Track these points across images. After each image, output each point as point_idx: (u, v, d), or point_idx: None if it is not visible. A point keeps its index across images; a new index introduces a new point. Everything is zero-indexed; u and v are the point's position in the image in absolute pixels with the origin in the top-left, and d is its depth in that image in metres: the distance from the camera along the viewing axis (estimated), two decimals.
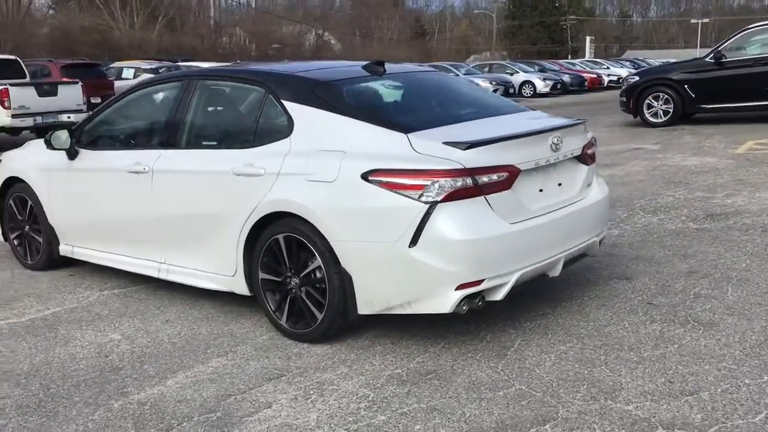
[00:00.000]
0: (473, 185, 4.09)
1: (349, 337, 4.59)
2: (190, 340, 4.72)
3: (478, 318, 4.76)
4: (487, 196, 4.15)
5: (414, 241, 4.06)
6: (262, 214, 4.55)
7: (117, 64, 25.90)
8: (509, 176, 4.24)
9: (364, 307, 4.30)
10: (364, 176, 4.17)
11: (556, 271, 4.60)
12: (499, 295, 4.25)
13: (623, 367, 4.02)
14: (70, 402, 3.92)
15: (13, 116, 15.00)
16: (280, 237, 4.51)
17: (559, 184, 4.69)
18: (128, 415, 3.74)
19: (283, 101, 4.70)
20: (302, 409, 3.73)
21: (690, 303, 4.93)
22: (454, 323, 4.71)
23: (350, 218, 4.24)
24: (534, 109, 5.45)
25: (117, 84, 22.55)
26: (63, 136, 5.79)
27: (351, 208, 4.23)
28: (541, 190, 4.52)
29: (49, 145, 5.82)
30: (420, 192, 4.04)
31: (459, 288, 4.08)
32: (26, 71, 17.29)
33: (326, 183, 4.30)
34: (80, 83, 16.76)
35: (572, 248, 4.67)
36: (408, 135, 4.26)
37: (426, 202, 4.03)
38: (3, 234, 6.68)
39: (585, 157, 4.91)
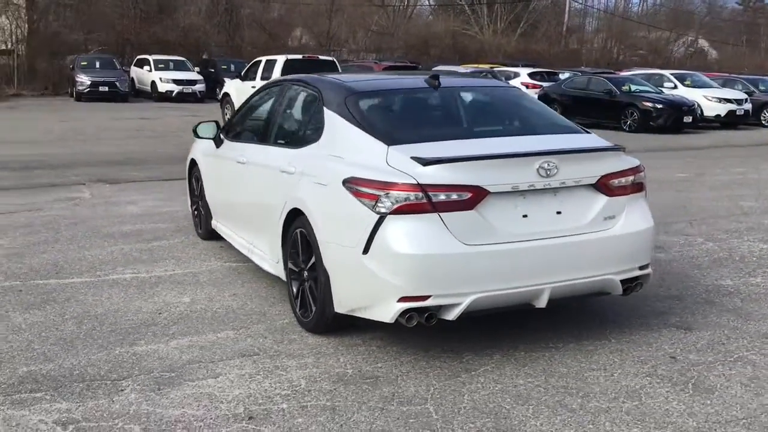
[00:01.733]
0: (427, 201, 4.09)
1: (350, 334, 4.81)
2: (228, 312, 5.30)
3: (490, 338, 4.72)
4: (441, 214, 4.11)
5: (366, 249, 4.20)
6: (289, 209, 4.97)
7: (440, 67, 27.45)
8: (472, 197, 4.15)
9: (337, 306, 4.52)
10: (344, 182, 4.39)
11: (541, 303, 4.36)
12: (451, 315, 4.19)
13: (563, 417, 3.76)
14: (91, 341, 4.73)
15: None
16: (298, 232, 4.89)
17: (558, 213, 4.41)
18: (115, 360, 4.44)
19: (324, 107, 5.06)
20: (235, 385, 4.10)
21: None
22: (466, 338, 4.71)
23: (332, 220, 4.50)
24: (588, 132, 5.08)
25: None
26: (209, 126, 6.72)
27: (333, 211, 4.49)
28: (525, 216, 4.32)
29: (196, 134, 6.80)
30: (374, 202, 4.17)
31: (402, 300, 4.13)
32: (340, 71, 19.26)
33: (323, 186, 4.59)
34: None
35: (564, 282, 4.37)
36: (389, 147, 4.38)
37: (378, 213, 4.15)
38: (190, 206, 7.91)
39: (604, 187, 4.53)
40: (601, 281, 4.52)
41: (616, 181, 4.58)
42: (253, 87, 19.05)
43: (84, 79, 28.03)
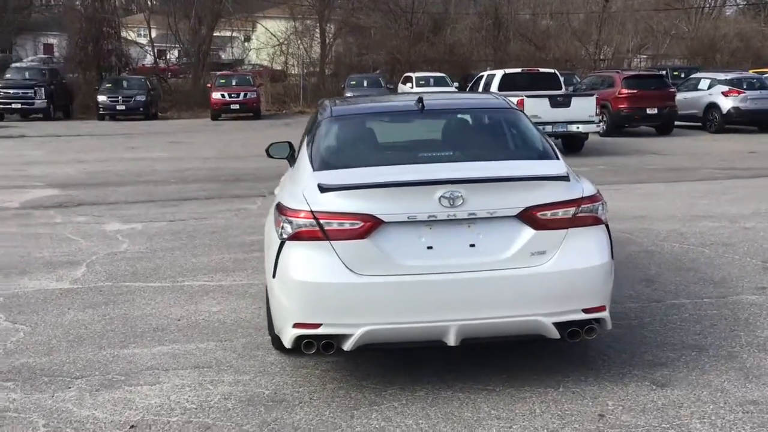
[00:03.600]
0: (319, 229, 4.00)
1: (315, 359, 4.71)
2: (235, 323, 5.55)
3: (434, 373, 4.47)
4: (333, 242, 3.99)
5: (274, 274, 4.21)
6: None
7: (699, 74, 25.09)
8: (365, 226, 3.97)
9: (271, 328, 4.57)
10: (276, 207, 4.44)
11: (450, 341, 4.02)
12: (346, 346, 4.04)
13: None
14: (97, 340, 5.24)
15: None
16: None
17: (472, 245, 4.03)
18: (94, 359, 4.89)
19: (307, 132, 5.12)
20: (156, 395, 4.34)
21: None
22: (416, 370, 4.53)
23: (266, 244, 4.59)
24: (554, 159, 4.51)
25: (680, 96, 22.17)
26: (282, 147, 7.01)
27: (268, 235, 4.56)
28: (430, 248, 4.01)
29: (268, 154, 7.12)
30: (280, 228, 4.17)
31: (295, 326, 4.08)
32: (561, 84, 18.61)
33: (273, 207, 4.67)
34: (595, 96, 17.34)
35: (476, 320, 3.99)
36: (313, 173, 4.34)
37: (280, 238, 4.15)
38: None
39: (530, 219, 4.04)
40: (526, 323, 4.06)
41: (548, 213, 4.07)
42: None
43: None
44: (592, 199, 4.20)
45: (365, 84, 31.29)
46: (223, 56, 48.11)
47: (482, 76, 19.42)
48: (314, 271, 4.02)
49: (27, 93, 29.04)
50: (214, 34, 40.72)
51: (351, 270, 3.98)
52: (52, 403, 4.27)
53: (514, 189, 4.10)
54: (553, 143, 4.86)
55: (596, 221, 4.21)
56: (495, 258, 4.04)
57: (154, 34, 41.84)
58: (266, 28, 40.64)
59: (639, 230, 8.42)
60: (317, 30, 39.58)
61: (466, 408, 4.03)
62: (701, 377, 4.33)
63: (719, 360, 4.58)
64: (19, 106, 29.09)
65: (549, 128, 16.80)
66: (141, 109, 29.30)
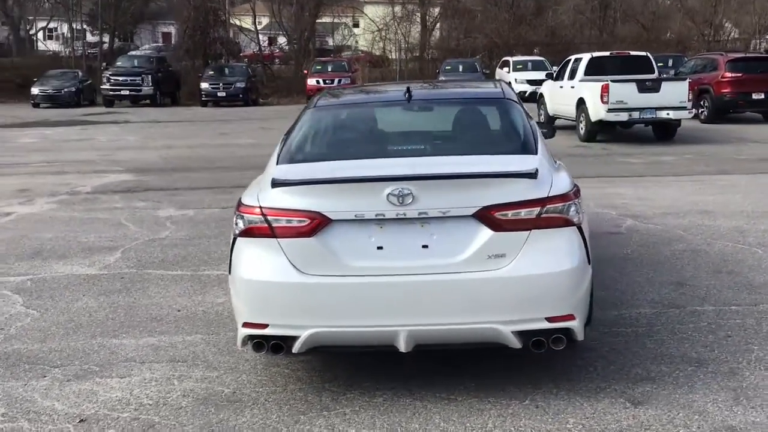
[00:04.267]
0: (267, 226, 3.84)
1: (290, 358, 4.55)
2: (220, 313, 5.47)
3: (398, 379, 4.24)
4: (281, 240, 3.81)
5: (230, 270, 4.08)
6: None
7: None
8: (311, 224, 3.77)
9: None
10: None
11: (401, 346, 3.77)
12: (294, 348, 3.86)
13: None
14: (92, 329, 5.28)
15: (609, 110, 15.74)
16: None
17: (425, 246, 3.75)
18: (80, 348, 4.92)
19: None
20: (122, 388, 4.31)
21: None
22: (382, 374, 4.33)
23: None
24: (529, 155, 4.14)
25: None
26: None
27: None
28: (380, 248, 3.76)
29: None
30: (234, 224, 4.03)
31: (245, 326, 3.94)
32: (654, 68, 17.58)
33: None
34: (688, 81, 16.29)
35: (428, 326, 3.72)
36: (276, 167, 4.19)
37: (233, 234, 4.01)
38: None
39: (488, 220, 3.71)
40: (482, 330, 3.75)
41: (508, 213, 3.74)
42: (561, 87, 18.42)
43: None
44: (563, 198, 3.83)
45: (460, 69, 30.82)
46: (331, 42, 48.61)
47: (569, 60, 18.64)
48: (261, 269, 3.86)
49: (135, 80, 30.29)
50: (321, 21, 41.18)
51: (298, 269, 3.80)
52: (22, 391, 4.31)
53: (470, 187, 3.78)
54: (539, 136, 4.50)
55: (566, 223, 3.84)
56: (449, 260, 3.75)
57: (260, 21, 42.74)
58: (365, 14, 40.70)
59: (696, 226, 7.80)
60: (418, 15, 39.29)
61: (416, 419, 3.78)
62: (685, 396, 3.90)
63: (716, 377, 4.12)
64: (127, 92, 30.40)
65: (636, 115, 15.98)
66: (240, 95, 29.98)
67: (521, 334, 3.77)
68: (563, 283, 3.77)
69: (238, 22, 43.52)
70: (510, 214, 3.74)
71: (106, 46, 42.92)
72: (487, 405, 3.89)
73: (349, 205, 3.77)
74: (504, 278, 3.71)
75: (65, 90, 30.70)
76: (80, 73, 32.98)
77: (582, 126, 16.71)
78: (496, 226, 3.73)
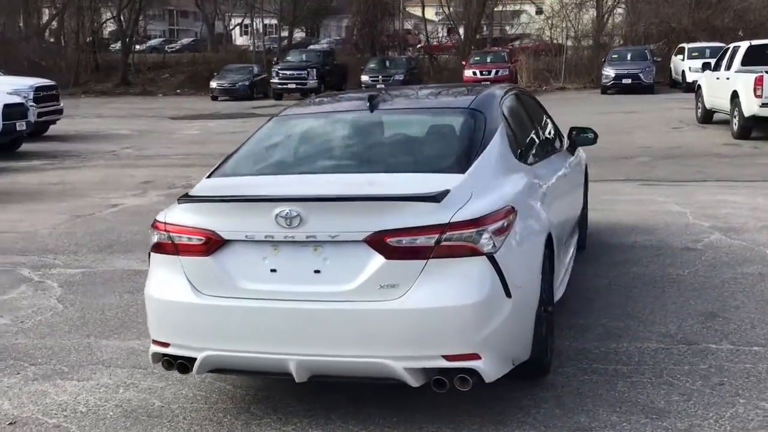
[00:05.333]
0: (170, 243, 3.75)
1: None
2: None
3: (335, 404, 4.02)
4: (181, 258, 3.70)
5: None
6: None
7: None
8: (206, 242, 3.63)
9: None
10: None
11: (296, 376, 3.54)
12: (194, 370, 3.73)
13: None
14: (89, 329, 5.45)
15: (763, 105, 14.15)
16: None
17: (317, 272, 3.47)
18: (68, 347, 5.08)
19: None
20: (76, 390, 4.37)
21: None
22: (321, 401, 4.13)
23: None
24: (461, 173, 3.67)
25: None
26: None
27: None
28: (274, 271, 3.54)
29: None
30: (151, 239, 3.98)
31: (153, 343, 3.88)
32: None
33: None
34: None
35: (319, 357, 3.46)
36: (203, 180, 4.13)
37: (149, 249, 3.95)
38: None
39: (379, 246, 3.36)
40: (374, 365, 3.43)
41: (404, 240, 3.37)
42: (717, 78, 16.78)
43: (609, 72, 28.20)
44: (471, 224, 3.40)
45: (629, 57, 29.14)
46: (510, 30, 47.72)
47: (728, 49, 16.97)
48: (163, 287, 3.80)
49: (301, 74, 31.46)
50: (497, 9, 40.52)
51: (196, 289, 3.68)
52: None
53: (362, 210, 3.47)
54: (495, 151, 4.04)
55: (472, 252, 3.40)
56: (340, 288, 3.46)
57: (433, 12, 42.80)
58: (533, 2, 39.49)
59: None
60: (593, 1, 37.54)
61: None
62: None
63: None
64: (294, 86, 31.59)
65: None
66: None
67: (417, 372, 3.40)
68: (464, 318, 3.37)
69: (416, 13, 43.81)
70: (405, 240, 3.38)
71: (285, 42, 44.89)
72: None
73: (241, 225, 3.60)
74: (395, 311, 3.37)
75: (239, 84, 32.48)
76: (255, 68, 34.70)
77: (735, 121, 15.18)
78: (389, 253, 3.39)
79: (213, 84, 32.64)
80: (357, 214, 3.46)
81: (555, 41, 35.63)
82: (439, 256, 3.37)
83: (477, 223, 3.42)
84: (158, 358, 3.90)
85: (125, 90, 39.19)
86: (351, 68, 35.15)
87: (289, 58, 33.76)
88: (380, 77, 30.33)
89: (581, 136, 6.15)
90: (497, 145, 4.11)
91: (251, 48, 46.75)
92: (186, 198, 3.81)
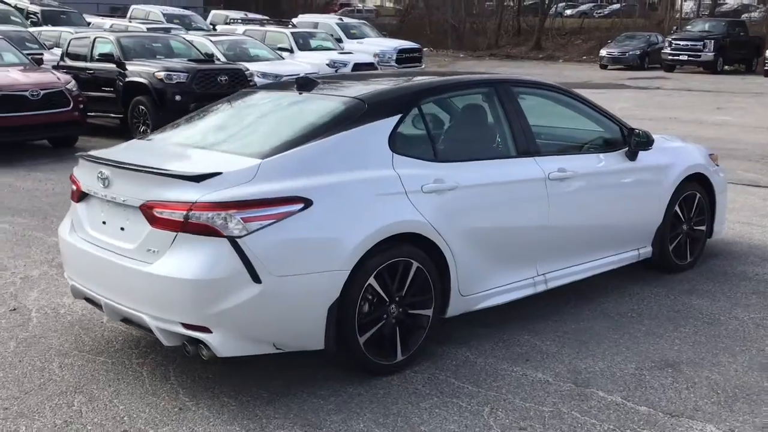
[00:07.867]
0: (71, 190, 4.54)
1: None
2: None
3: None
4: (72, 203, 4.53)
5: None
6: None
7: None
8: (76, 192, 4.38)
9: None
10: None
11: (108, 316, 4.32)
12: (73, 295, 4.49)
13: None
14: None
15: None
16: None
17: (122, 229, 4.05)
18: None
19: None
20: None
21: None
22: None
23: None
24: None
25: None
26: None
27: None
28: (104, 223, 4.18)
29: None
30: None
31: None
32: None
33: None
34: None
35: (113, 302, 4.05)
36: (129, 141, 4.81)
37: None
38: None
39: (148, 214, 3.81)
40: (141, 319, 3.91)
41: (164, 212, 3.77)
42: None
43: None
44: (214, 206, 3.63)
45: None
46: None
47: None
48: (62, 226, 4.63)
49: (696, 45, 28.97)
50: None
51: (73, 230, 4.47)
52: None
53: (143, 180, 3.91)
54: (324, 142, 4.03)
55: (213, 232, 3.64)
56: (128, 246, 3.98)
57: None
58: None
59: None
60: None
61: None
62: None
63: None
64: (686, 57, 29.28)
65: None
66: None
67: (168, 333, 3.81)
68: (192, 292, 3.67)
69: None
70: (165, 212, 3.76)
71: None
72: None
73: (90, 181, 4.25)
74: (149, 274, 3.79)
75: (630, 53, 31.16)
76: (653, 37, 32.81)
77: None
78: (153, 221, 3.83)
79: (603, 52, 31.75)
80: (140, 183, 3.92)
81: None
82: (186, 231, 3.69)
83: (223, 206, 3.62)
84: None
85: (534, 55, 39.74)
86: None
87: (689, 27, 31.16)
88: None
89: (635, 140, 5.29)
90: (352, 136, 4.03)
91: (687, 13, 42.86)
92: (80, 155, 4.51)
